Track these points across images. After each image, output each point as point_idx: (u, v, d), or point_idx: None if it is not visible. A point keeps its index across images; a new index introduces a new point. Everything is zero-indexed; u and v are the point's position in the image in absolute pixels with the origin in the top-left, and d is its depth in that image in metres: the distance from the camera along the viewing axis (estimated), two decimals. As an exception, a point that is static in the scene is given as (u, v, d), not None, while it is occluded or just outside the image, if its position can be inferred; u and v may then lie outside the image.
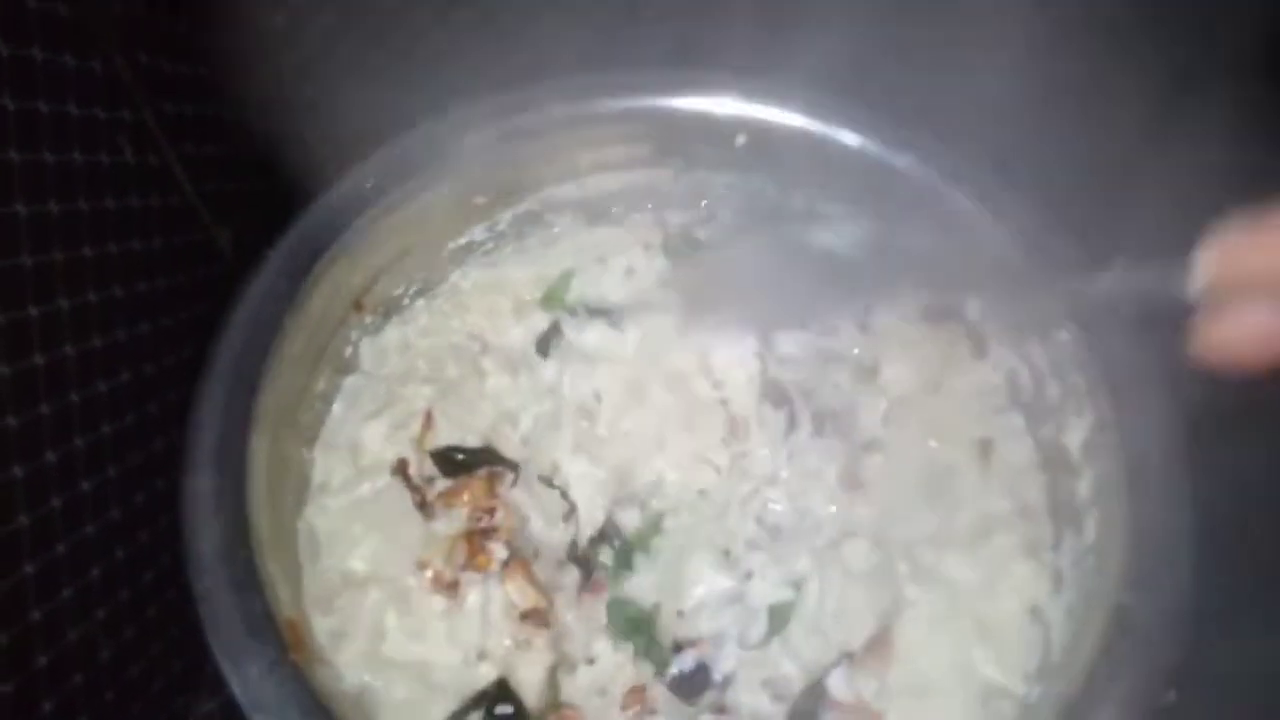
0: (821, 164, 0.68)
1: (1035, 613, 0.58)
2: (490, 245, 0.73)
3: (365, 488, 0.61)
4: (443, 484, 0.62)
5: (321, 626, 0.54)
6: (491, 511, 0.60)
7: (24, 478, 0.48)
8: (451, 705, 0.53)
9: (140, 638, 0.59)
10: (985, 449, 0.65)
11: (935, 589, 0.58)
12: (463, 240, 0.72)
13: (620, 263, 0.72)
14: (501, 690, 0.53)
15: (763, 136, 0.69)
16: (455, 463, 0.62)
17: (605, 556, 0.60)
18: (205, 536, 0.48)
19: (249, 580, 0.48)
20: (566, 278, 0.71)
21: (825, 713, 0.54)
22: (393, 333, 0.69)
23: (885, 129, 0.65)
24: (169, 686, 0.62)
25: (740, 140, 0.69)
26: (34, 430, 0.49)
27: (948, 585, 0.59)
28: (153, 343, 0.61)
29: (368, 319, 0.67)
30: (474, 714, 0.53)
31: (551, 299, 0.71)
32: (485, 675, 0.54)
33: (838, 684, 0.54)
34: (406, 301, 0.70)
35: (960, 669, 0.56)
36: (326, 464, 0.62)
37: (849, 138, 0.66)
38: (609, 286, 0.72)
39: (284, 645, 0.46)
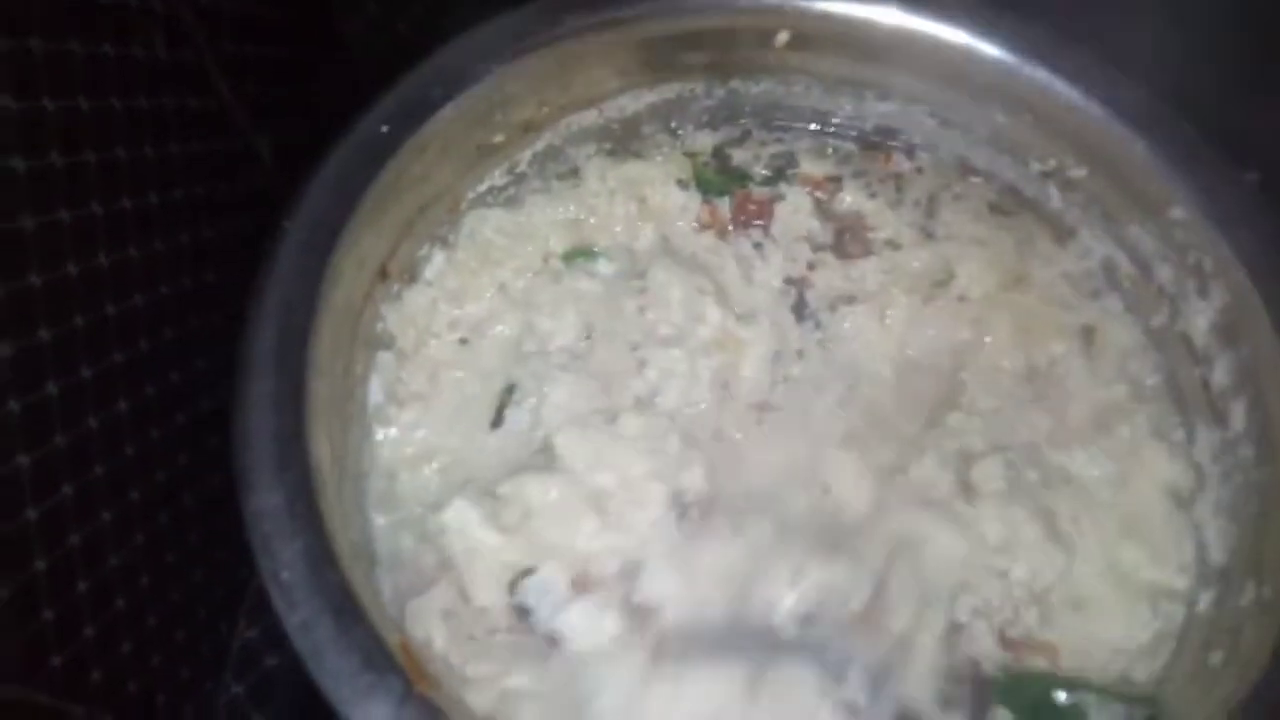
0: (881, 59, 0.61)
1: (1177, 498, 0.54)
2: (511, 191, 0.65)
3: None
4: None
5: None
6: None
7: (59, 394, 0.43)
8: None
9: (181, 562, 0.54)
10: (1087, 335, 0.60)
11: (1069, 492, 0.54)
12: (483, 187, 0.64)
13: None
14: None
15: (808, 31, 0.61)
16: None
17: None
18: (286, 562, 0.41)
19: (348, 605, 0.40)
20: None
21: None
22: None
23: (959, 11, 0.58)
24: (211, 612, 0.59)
25: (782, 38, 0.62)
26: (69, 346, 0.44)
27: (1080, 486, 0.54)
28: (193, 256, 0.55)
29: (395, 286, 0.59)
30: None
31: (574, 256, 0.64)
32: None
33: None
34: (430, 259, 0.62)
35: (1113, 572, 0.52)
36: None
37: (916, 23, 0.58)
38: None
39: (406, 676, 0.39)
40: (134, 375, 0.50)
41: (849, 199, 0.66)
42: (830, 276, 0.64)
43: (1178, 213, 0.55)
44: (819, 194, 0.66)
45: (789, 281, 0.63)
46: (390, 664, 0.39)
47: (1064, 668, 0.50)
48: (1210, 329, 0.54)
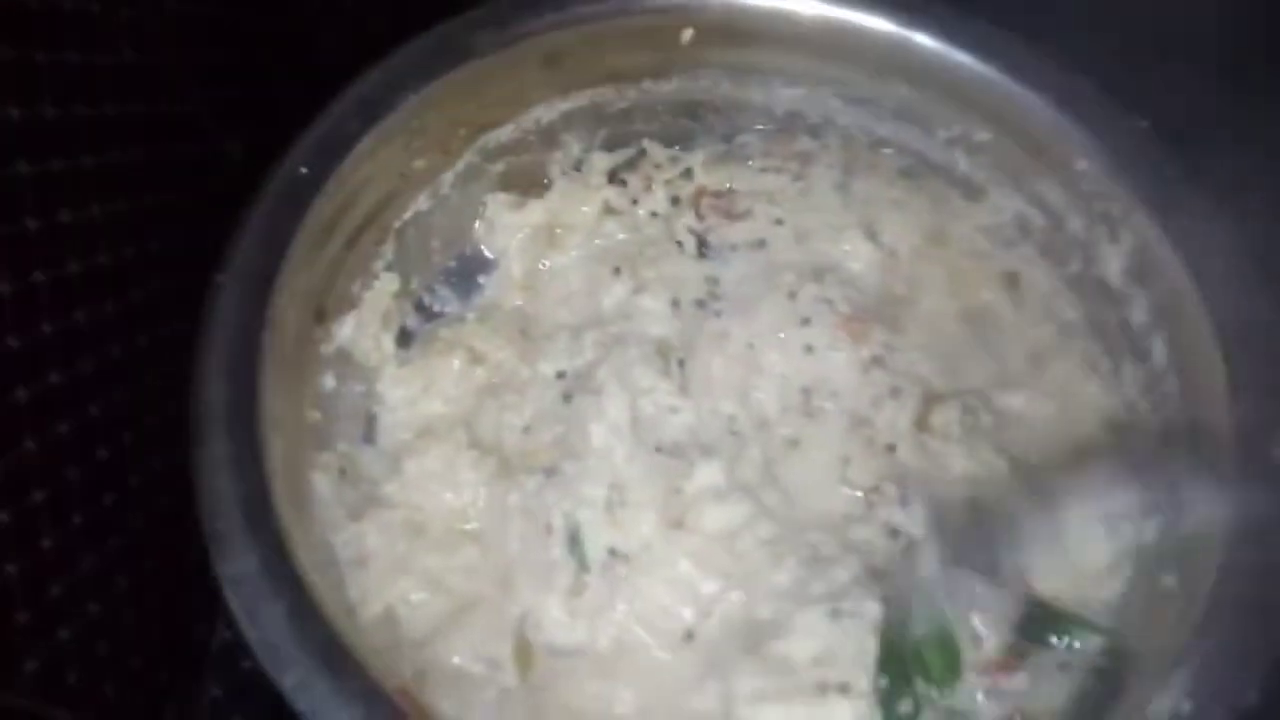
0: (784, 45, 0.63)
1: (1116, 430, 0.57)
2: (437, 216, 0.65)
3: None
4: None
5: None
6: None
7: (29, 399, 0.43)
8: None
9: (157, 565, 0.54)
10: (1011, 281, 0.63)
11: (1021, 432, 0.57)
12: (408, 214, 0.63)
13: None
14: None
15: (710, 25, 0.62)
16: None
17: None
18: (271, 625, 0.40)
19: (340, 659, 0.40)
20: None
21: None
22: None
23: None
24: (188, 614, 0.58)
25: (686, 35, 0.63)
26: (38, 352, 0.44)
27: (1029, 425, 0.57)
28: (163, 261, 0.55)
29: (332, 328, 0.58)
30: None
31: None
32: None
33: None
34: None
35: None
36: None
37: (810, 6, 0.60)
38: None
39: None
40: (105, 380, 0.49)
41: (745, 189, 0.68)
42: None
43: (1082, 164, 0.57)
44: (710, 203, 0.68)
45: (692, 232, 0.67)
46: (394, 712, 0.39)
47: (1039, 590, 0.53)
48: (1124, 271, 0.57)
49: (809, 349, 0.61)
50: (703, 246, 0.67)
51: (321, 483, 0.53)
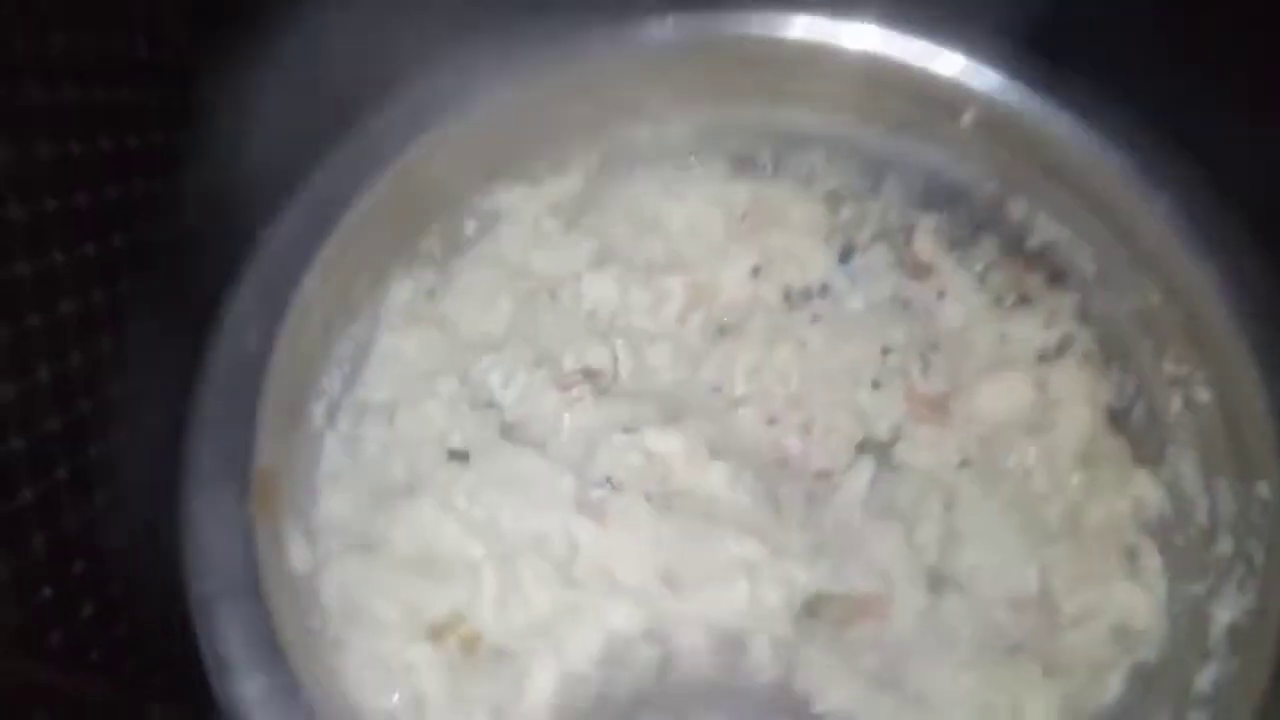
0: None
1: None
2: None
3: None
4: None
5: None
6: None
7: (50, 379, 0.45)
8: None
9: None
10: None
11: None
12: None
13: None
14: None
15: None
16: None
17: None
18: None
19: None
20: None
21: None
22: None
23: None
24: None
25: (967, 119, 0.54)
26: (59, 328, 0.46)
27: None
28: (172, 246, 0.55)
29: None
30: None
31: None
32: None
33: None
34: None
35: None
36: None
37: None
38: None
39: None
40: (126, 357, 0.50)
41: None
42: None
43: (1264, 491, 0.49)
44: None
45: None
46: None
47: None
48: (1227, 628, 0.50)
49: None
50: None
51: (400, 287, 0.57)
